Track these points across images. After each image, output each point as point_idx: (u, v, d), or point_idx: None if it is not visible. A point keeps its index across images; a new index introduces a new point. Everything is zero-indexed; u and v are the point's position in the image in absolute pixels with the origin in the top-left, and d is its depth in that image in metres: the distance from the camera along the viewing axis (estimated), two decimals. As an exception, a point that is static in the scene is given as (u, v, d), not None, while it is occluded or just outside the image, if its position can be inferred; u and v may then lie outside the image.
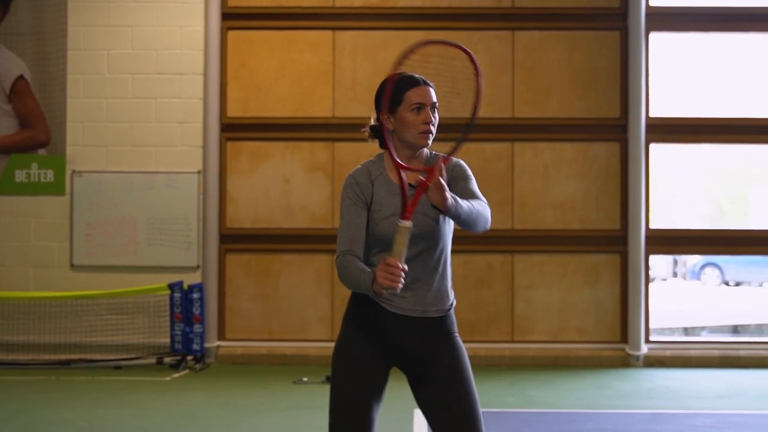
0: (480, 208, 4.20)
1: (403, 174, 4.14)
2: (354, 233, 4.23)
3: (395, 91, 4.25)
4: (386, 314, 4.25)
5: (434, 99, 4.31)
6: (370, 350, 4.27)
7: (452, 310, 4.37)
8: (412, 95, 4.26)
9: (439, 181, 3.97)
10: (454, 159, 4.37)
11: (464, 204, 4.10)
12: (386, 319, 4.25)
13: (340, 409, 4.25)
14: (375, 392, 4.27)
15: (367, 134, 4.43)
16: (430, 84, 4.35)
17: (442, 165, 4.06)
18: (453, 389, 4.27)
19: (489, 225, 4.29)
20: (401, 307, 4.24)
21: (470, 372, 4.34)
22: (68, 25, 12.93)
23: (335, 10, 13.04)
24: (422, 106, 4.26)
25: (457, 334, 4.36)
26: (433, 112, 4.30)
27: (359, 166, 4.37)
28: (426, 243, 4.25)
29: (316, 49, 13.04)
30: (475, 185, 4.35)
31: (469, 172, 4.42)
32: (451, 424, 4.24)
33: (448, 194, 4.00)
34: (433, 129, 4.30)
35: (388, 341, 4.27)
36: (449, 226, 4.34)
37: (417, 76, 4.33)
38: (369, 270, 4.06)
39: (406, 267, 3.94)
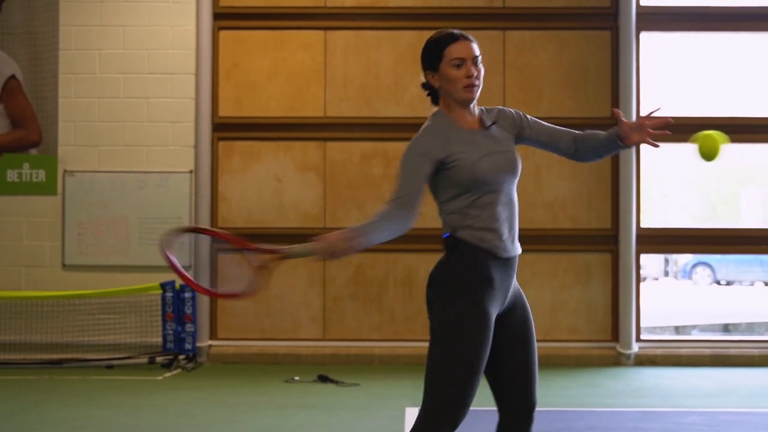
0: None
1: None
2: (414, 182, 4.31)
3: (435, 48, 4.36)
4: (495, 262, 4.29)
5: (476, 52, 4.40)
6: (489, 311, 4.29)
7: None
8: (452, 51, 4.34)
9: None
10: (496, 108, 4.55)
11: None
12: (495, 269, 4.29)
13: (455, 382, 4.25)
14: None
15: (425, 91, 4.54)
16: (470, 38, 4.42)
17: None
18: (531, 326, 4.47)
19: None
20: (508, 249, 4.34)
21: None
22: (60, 24, 12.92)
23: (327, 9, 13.05)
24: (463, 61, 4.33)
25: None
26: (476, 65, 4.37)
27: (422, 132, 4.39)
28: (512, 178, 4.39)
29: (307, 48, 13.06)
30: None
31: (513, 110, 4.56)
32: (531, 360, 4.44)
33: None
34: (477, 82, 4.38)
35: (500, 291, 4.31)
36: None
37: (456, 31, 4.41)
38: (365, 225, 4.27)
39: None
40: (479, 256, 4.27)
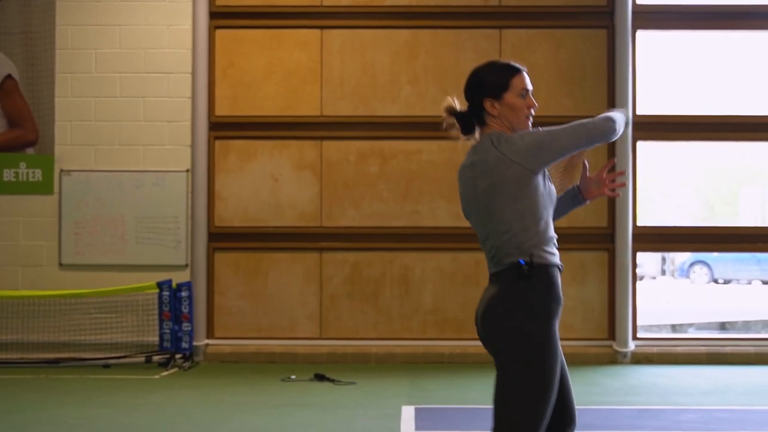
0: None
1: None
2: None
3: (503, 77, 4.44)
4: (558, 276, 4.35)
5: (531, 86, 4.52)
6: (555, 329, 4.33)
7: None
8: (519, 82, 4.45)
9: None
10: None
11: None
12: (558, 283, 4.34)
13: (551, 384, 4.23)
14: None
15: (449, 124, 4.56)
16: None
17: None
18: None
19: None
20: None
21: None
22: (56, 24, 12.94)
23: (323, 8, 13.06)
24: (527, 92, 4.45)
25: None
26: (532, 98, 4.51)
27: None
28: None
29: (304, 47, 13.07)
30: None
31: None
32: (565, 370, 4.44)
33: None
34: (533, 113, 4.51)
35: (560, 306, 4.37)
36: None
37: (515, 63, 4.52)
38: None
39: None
40: (554, 275, 4.33)
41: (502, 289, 4.31)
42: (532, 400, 4.20)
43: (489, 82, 4.44)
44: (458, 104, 4.53)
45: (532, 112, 4.47)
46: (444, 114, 4.56)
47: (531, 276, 4.25)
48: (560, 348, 4.31)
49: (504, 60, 4.55)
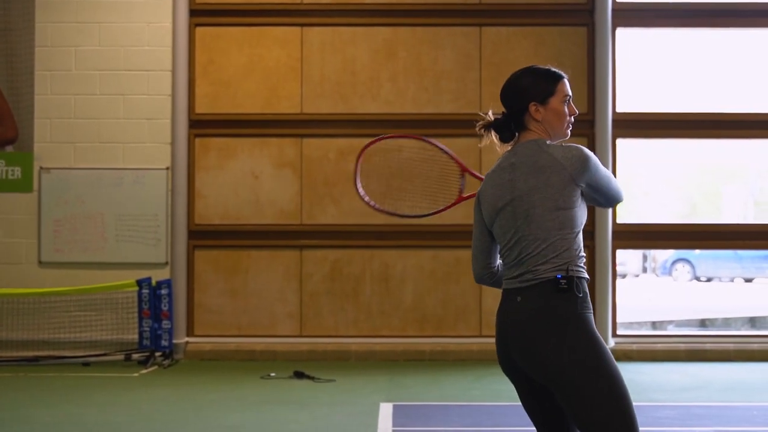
0: None
1: None
2: None
3: (550, 81, 4.37)
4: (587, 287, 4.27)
5: None
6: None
7: None
8: (564, 87, 4.39)
9: None
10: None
11: None
12: (588, 293, 4.27)
13: (621, 380, 4.11)
14: None
15: (485, 130, 4.46)
16: None
17: None
18: None
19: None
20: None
21: None
22: (36, 21, 12.90)
23: (303, 6, 13.06)
24: (570, 99, 4.40)
25: None
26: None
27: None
28: None
29: (284, 45, 13.06)
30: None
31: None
32: None
33: None
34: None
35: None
36: None
37: (557, 69, 4.45)
38: None
39: None
40: (585, 286, 4.22)
41: (538, 307, 4.15)
42: (620, 406, 4.05)
43: (535, 87, 4.35)
44: (491, 115, 4.44)
45: (573, 119, 4.41)
46: (479, 127, 4.46)
47: (568, 290, 4.12)
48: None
49: (544, 66, 4.46)
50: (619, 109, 13.03)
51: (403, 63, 13.05)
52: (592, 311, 4.19)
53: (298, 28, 13.07)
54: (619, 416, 4.04)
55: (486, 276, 4.50)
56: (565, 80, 4.40)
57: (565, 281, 4.11)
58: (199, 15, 13.03)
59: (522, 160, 4.28)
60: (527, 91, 4.36)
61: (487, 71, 12.97)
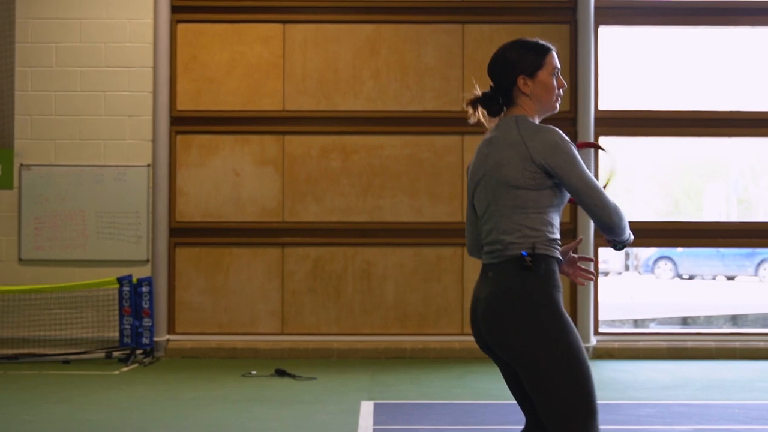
0: None
1: None
2: None
3: (538, 54, 4.31)
4: (557, 267, 4.21)
5: None
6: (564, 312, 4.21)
7: None
8: (552, 60, 4.33)
9: None
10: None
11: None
12: (557, 272, 4.21)
13: (583, 358, 4.09)
14: None
15: (472, 106, 4.41)
16: None
17: None
18: None
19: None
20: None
21: None
22: (16, 17, 12.83)
23: (285, 2, 13.02)
24: (558, 72, 4.35)
25: None
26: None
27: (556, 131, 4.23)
28: None
29: (266, 42, 13.02)
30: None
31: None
32: None
33: None
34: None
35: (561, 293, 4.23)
36: None
37: (545, 42, 4.37)
38: None
39: None
40: (553, 265, 4.16)
41: (502, 284, 4.14)
42: (578, 385, 4.06)
43: (524, 60, 4.29)
44: (479, 91, 4.39)
45: (561, 92, 4.36)
46: (466, 103, 4.42)
47: (532, 267, 4.09)
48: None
49: (532, 39, 4.39)
50: (601, 107, 13.04)
51: (386, 60, 13.03)
52: (560, 290, 4.14)
53: (280, 25, 13.03)
54: (576, 395, 4.05)
55: (475, 249, 4.49)
56: (554, 53, 4.34)
57: (530, 258, 4.09)
58: (180, 11, 12.98)
59: (497, 135, 4.26)
60: (516, 64, 4.30)
61: (470, 68, 12.95)
